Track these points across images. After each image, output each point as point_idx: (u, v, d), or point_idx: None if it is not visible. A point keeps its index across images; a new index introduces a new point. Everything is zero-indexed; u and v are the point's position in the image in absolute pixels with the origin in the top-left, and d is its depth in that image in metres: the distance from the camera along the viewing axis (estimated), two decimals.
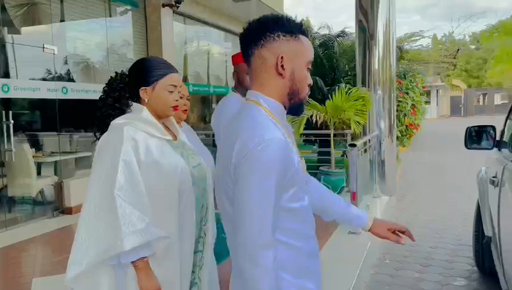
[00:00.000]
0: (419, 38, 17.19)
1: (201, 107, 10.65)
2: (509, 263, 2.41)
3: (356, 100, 6.57)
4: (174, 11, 7.91)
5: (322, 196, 1.56)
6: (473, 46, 36.08)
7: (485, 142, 3.31)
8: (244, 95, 2.48)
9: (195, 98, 10.36)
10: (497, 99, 42.73)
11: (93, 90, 6.04)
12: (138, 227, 1.51)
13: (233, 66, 2.93)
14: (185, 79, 9.37)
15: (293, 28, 1.25)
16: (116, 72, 1.83)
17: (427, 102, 19.33)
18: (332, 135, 6.73)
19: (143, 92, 1.71)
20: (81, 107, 5.96)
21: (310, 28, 11.57)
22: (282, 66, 1.23)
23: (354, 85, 7.44)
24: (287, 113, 1.33)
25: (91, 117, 1.83)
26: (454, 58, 30.45)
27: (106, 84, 1.81)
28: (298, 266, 1.25)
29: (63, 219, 5.45)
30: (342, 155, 7.27)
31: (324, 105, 6.78)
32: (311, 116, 6.64)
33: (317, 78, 8.35)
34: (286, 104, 1.29)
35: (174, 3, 7.67)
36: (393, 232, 1.52)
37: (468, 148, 3.36)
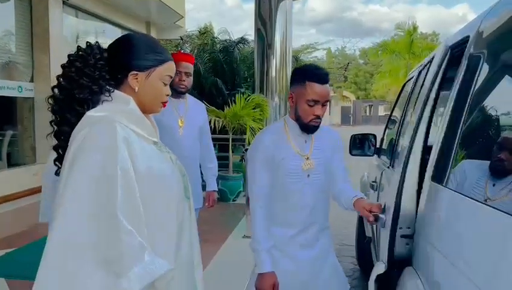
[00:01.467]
0: (314, 50, 18.25)
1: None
2: None
3: (254, 108, 6.72)
4: (64, 2, 7.35)
5: (340, 191, 2.03)
6: (361, 61, 39.37)
7: (367, 149, 3.59)
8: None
9: None
10: (381, 111, 47.35)
11: None
12: (145, 260, 1.14)
13: None
14: None
15: None
16: (88, 43, 1.36)
17: None
18: (230, 140, 6.79)
19: (132, 78, 1.30)
20: None
21: (212, 33, 11.60)
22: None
23: (253, 91, 7.61)
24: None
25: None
26: (345, 70, 32.89)
27: (73, 55, 1.31)
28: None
29: None
30: (240, 160, 7.37)
31: (223, 110, 6.82)
32: (210, 121, 6.63)
33: (217, 80, 8.40)
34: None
35: None
36: (370, 210, 1.77)
37: (352, 155, 3.61)
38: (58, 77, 1.31)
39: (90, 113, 1.23)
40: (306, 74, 1.88)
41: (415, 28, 23.03)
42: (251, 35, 9.04)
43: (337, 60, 38.40)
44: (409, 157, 1.62)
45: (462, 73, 1.43)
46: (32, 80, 7.07)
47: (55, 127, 1.31)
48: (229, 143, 6.77)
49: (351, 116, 44.23)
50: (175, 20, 10.88)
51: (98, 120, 1.20)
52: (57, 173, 1.29)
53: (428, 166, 1.51)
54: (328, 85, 1.90)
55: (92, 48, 1.32)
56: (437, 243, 1.30)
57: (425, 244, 1.42)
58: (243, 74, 9.39)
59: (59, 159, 1.29)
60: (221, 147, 7.79)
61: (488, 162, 1.24)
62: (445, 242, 1.25)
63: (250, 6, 7.49)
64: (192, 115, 2.83)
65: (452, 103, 1.46)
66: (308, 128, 1.92)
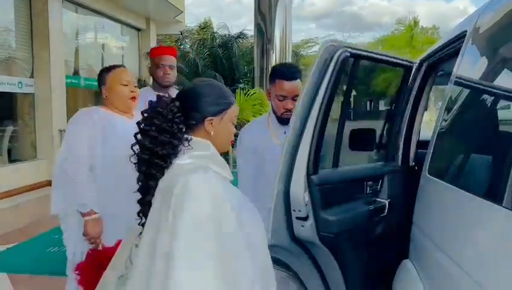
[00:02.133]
0: (314, 45, 18.22)
1: (95, 103, 10.01)
2: None
3: (255, 105, 6.75)
4: None
5: None
6: None
7: (367, 144, 3.59)
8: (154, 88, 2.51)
9: (86, 92, 9.73)
10: (382, 105, 47.31)
11: None
12: None
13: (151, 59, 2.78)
14: (76, 72, 8.75)
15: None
16: (160, 96, 1.36)
17: None
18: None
19: (208, 124, 1.33)
20: None
21: (212, 28, 11.59)
22: None
23: (253, 86, 7.62)
24: None
25: None
26: None
27: (150, 112, 1.31)
28: None
29: None
30: None
31: None
32: None
33: (217, 74, 8.41)
34: None
35: None
36: None
37: (352, 149, 3.61)
38: (135, 136, 1.32)
39: (180, 162, 1.26)
40: (276, 72, 2.17)
41: (415, 23, 22.96)
42: (250, 30, 9.04)
43: None
44: (297, 149, 1.71)
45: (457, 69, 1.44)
46: (32, 76, 7.06)
47: (140, 183, 1.33)
48: None
49: (351, 111, 44.27)
50: (174, 15, 10.87)
51: (193, 169, 1.23)
52: (141, 212, 1.32)
53: (425, 162, 1.53)
54: (297, 81, 2.10)
55: (167, 103, 1.33)
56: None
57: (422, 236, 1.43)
58: (242, 68, 9.39)
59: (143, 212, 1.31)
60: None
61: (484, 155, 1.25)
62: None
63: (249, 1, 7.49)
64: None
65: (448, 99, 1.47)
66: (282, 120, 2.14)
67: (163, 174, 1.26)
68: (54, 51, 7.11)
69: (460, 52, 1.43)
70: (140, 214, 1.32)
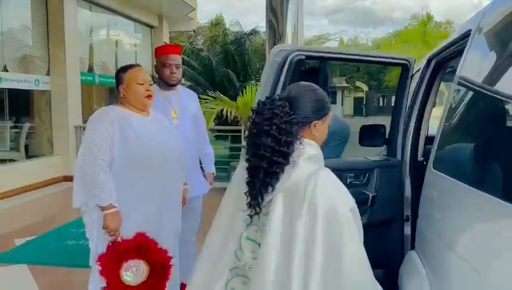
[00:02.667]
0: (326, 41, 18.11)
1: (109, 99, 10.16)
2: None
3: None
4: None
5: None
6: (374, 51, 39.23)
7: (377, 139, 3.63)
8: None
9: (101, 89, 9.89)
10: (393, 101, 46.71)
11: None
12: None
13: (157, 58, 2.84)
14: (90, 69, 8.90)
15: None
16: (271, 97, 1.42)
17: (333, 102, 20.53)
18: (243, 131, 6.87)
19: (313, 126, 1.41)
20: None
21: (223, 24, 11.65)
22: None
23: None
24: None
25: None
26: None
27: (268, 112, 1.35)
28: None
29: None
30: None
31: (236, 101, 6.90)
32: (222, 110, 6.72)
33: (229, 71, 8.47)
34: None
35: None
36: None
37: (362, 145, 3.66)
38: (252, 134, 1.38)
39: (300, 160, 1.34)
40: None
41: (429, 18, 22.74)
42: (262, 27, 9.08)
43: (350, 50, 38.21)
44: None
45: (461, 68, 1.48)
46: (48, 74, 7.24)
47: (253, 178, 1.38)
48: (241, 134, 6.86)
49: (364, 107, 43.90)
50: (187, 12, 10.96)
51: (318, 169, 1.32)
52: (253, 206, 1.37)
53: (430, 156, 1.59)
54: None
55: (280, 105, 1.37)
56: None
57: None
58: (254, 65, 9.44)
59: (255, 206, 1.38)
60: (233, 138, 7.88)
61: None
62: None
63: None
64: (185, 105, 2.83)
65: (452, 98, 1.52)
66: None
67: (283, 171, 1.32)
68: (70, 49, 7.26)
69: (465, 51, 1.47)
70: (252, 209, 1.37)
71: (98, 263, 2.06)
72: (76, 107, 7.63)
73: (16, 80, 6.46)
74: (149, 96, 2.20)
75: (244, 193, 1.38)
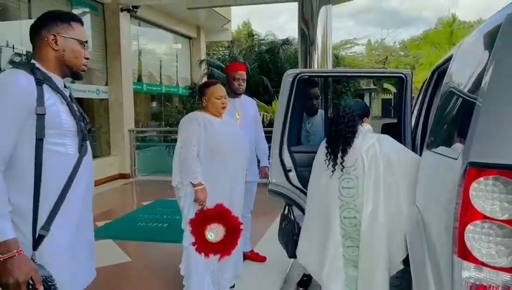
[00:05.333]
0: (353, 46, 18.54)
1: (155, 105, 11.11)
2: None
3: None
4: (131, 15, 8.40)
5: None
6: (402, 53, 39.09)
7: (397, 137, 4.29)
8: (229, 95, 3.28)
9: (148, 97, 10.83)
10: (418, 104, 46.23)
11: None
12: None
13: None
14: (139, 79, 9.84)
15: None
16: (341, 107, 2.64)
17: None
18: None
19: (362, 122, 2.62)
20: None
21: (255, 34, 12.38)
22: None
23: None
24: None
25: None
26: (384, 64, 32.73)
27: (344, 114, 2.52)
28: None
29: None
30: None
31: (271, 106, 7.63)
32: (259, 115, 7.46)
33: (264, 78, 9.18)
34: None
35: (131, 8, 8.17)
36: None
37: None
38: (332, 125, 2.64)
39: (364, 135, 2.53)
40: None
41: (454, 19, 22.80)
42: (294, 38, 9.77)
43: (377, 52, 38.19)
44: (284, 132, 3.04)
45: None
46: (106, 84, 8.20)
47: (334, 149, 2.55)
48: None
49: (392, 109, 43.79)
50: (222, 24, 11.82)
51: (376, 136, 2.55)
52: (334, 164, 2.55)
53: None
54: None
55: (349, 112, 2.53)
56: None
57: None
58: None
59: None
60: (269, 139, 8.57)
61: None
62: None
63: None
64: (246, 109, 3.58)
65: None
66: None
67: (353, 142, 2.46)
68: (124, 61, 8.20)
69: (450, 64, 2.13)
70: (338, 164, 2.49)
71: (189, 225, 2.83)
72: (130, 113, 8.55)
73: (81, 90, 7.38)
74: (224, 107, 2.97)
75: (327, 160, 2.53)
